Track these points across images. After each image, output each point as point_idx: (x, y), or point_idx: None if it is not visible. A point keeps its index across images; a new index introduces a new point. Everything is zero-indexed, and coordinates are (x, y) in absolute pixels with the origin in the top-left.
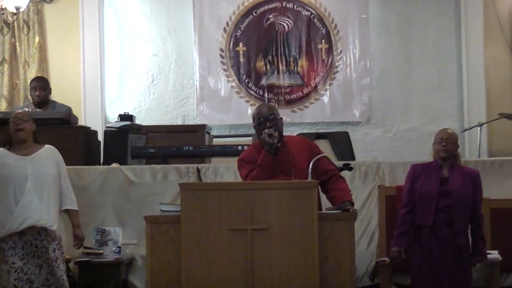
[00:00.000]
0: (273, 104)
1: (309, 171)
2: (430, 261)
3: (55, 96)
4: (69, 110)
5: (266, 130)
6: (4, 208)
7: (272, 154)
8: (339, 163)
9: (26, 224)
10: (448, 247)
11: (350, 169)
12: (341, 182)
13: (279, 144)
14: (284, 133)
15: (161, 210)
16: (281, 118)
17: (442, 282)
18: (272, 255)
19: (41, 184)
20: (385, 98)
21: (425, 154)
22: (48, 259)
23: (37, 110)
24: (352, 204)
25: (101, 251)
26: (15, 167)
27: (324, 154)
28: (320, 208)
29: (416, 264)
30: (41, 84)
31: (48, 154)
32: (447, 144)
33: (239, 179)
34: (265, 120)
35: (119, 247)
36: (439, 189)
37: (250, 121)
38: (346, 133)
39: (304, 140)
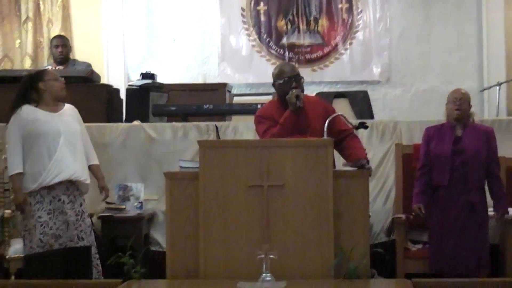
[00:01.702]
0: (294, 63)
1: (325, 130)
2: (446, 220)
3: (78, 54)
4: (89, 66)
5: (294, 91)
6: (37, 162)
7: (296, 115)
8: (356, 122)
9: (60, 178)
10: (463, 204)
11: (366, 127)
12: (356, 141)
13: (302, 105)
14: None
15: (181, 167)
16: (303, 78)
17: (459, 240)
18: (288, 211)
19: (73, 140)
20: (405, 57)
21: (443, 114)
22: (76, 214)
23: (58, 67)
24: (368, 161)
25: (123, 207)
26: (46, 123)
27: (340, 114)
28: (334, 166)
29: (433, 222)
30: (62, 41)
31: (71, 112)
32: (461, 104)
33: (258, 137)
34: (290, 80)
35: (141, 202)
36: (453, 149)
37: (271, 80)
38: (365, 92)
39: (319, 100)
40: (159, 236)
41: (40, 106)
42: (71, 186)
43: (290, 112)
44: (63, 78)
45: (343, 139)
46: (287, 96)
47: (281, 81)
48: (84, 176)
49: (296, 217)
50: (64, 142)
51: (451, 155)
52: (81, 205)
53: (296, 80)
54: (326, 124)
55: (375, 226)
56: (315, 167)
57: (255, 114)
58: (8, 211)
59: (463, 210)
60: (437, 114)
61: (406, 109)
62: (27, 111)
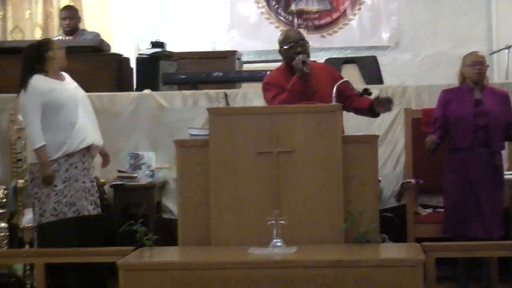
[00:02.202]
0: (303, 29)
1: (333, 95)
2: (467, 182)
3: (87, 24)
4: (97, 36)
5: (300, 56)
6: (60, 132)
7: (303, 81)
8: (359, 88)
9: (84, 144)
10: (487, 167)
11: (369, 93)
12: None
13: (309, 71)
14: (313, 58)
15: (190, 134)
16: (308, 43)
17: (479, 202)
18: (298, 176)
19: (87, 107)
20: (414, 22)
21: (453, 77)
22: (91, 181)
23: (68, 37)
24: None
25: (135, 175)
26: (63, 92)
27: (346, 79)
28: (343, 132)
29: (450, 185)
30: (70, 13)
31: (71, 79)
32: (482, 67)
33: (266, 104)
34: (296, 44)
35: (152, 170)
36: (475, 111)
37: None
38: (375, 58)
39: (326, 66)
40: (171, 204)
41: (49, 76)
42: (87, 153)
43: (297, 78)
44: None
45: (351, 102)
46: (293, 62)
47: (286, 47)
48: (101, 141)
49: (306, 182)
50: (82, 109)
51: (474, 116)
52: (93, 171)
53: (301, 45)
54: (334, 90)
55: (385, 191)
56: (324, 133)
57: (263, 81)
58: (21, 181)
59: (486, 173)
60: (446, 78)
61: (415, 73)
62: (40, 80)
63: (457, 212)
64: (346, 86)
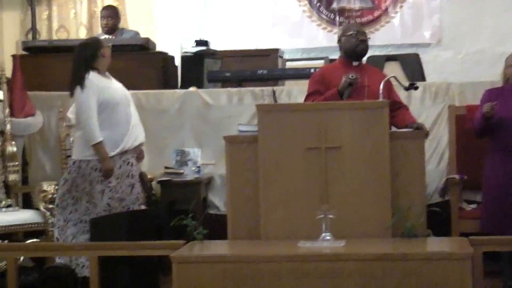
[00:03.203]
0: None
1: (380, 92)
2: (507, 181)
3: (131, 23)
4: (136, 34)
5: (350, 75)
6: (117, 129)
7: (340, 97)
8: (405, 83)
9: (137, 142)
10: None
11: (416, 88)
12: (408, 111)
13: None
14: None
15: (239, 131)
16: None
17: None
18: (345, 172)
19: (134, 105)
20: (456, 19)
21: (494, 75)
22: (137, 177)
23: (109, 37)
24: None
25: (182, 171)
26: (117, 90)
27: (393, 75)
28: (390, 128)
29: (490, 182)
30: (110, 13)
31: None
32: None
33: None
34: (359, 33)
35: (199, 167)
36: None
37: (321, 44)
38: (417, 55)
39: (379, 71)
40: (217, 200)
41: (100, 74)
42: (136, 149)
43: (337, 92)
44: None
45: (396, 110)
46: (342, 81)
47: (348, 34)
48: (144, 139)
49: (353, 177)
50: (132, 107)
51: None
52: (137, 168)
53: (363, 34)
54: (381, 86)
55: (429, 187)
56: (372, 129)
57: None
58: (62, 179)
59: None
60: (488, 76)
61: (457, 71)
62: (96, 77)
63: (496, 209)
64: (395, 93)
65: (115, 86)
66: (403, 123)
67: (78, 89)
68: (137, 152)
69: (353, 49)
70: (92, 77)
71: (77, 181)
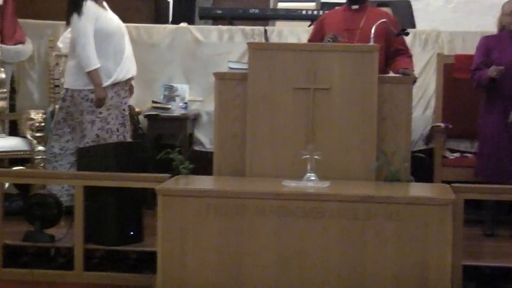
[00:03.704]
0: None
1: (371, 36)
2: (505, 128)
3: None
4: None
5: (328, 38)
6: (109, 59)
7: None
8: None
9: (130, 74)
10: None
11: (406, 34)
12: (407, 59)
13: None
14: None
15: (229, 68)
16: None
17: None
18: (333, 114)
19: (128, 38)
20: None
21: (485, 25)
22: (124, 110)
23: None
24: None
25: (169, 106)
26: (112, 20)
27: (384, 20)
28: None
29: (487, 129)
30: None
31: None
32: None
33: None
34: None
35: (186, 103)
36: None
37: None
38: (408, 2)
39: (386, 14)
40: (203, 137)
41: (97, 3)
42: (127, 83)
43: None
44: None
45: (397, 56)
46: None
47: None
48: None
49: (340, 120)
50: (127, 39)
51: None
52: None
53: None
54: (373, 30)
55: (414, 134)
56: (361, 72)
57: None
58: (58, 106)
59: None
60: (479, 26)
61: (447, 20)
62: (93, 5)
63: (492, 156)
64: (399, 40)
65: (111, 17)
66: (395, 69)
67: (75, 16)
68: (128, 85)
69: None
70: (90, 4)
71: (70, 109)
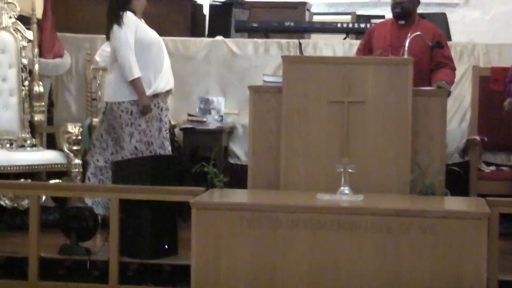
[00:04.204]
0: None
1: (406, 48)
2: None
3: None
4: None
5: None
6: (149, 69)
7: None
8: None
9: (169, 86)
10: None
11: (441, 47)
12: (448, 70)
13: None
14: (383, 13)
15: (264, 81)
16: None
17: None
18: (367, 127)
19: (165, 51)
20: None
21: None
22: (166, 123)
23: None
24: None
25: (204, 119)
26: (151, 32)
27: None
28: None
29: None
30: None
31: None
32: None
33: (337, 55)
34: None
35: (221, 115)
36: None
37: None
38: (444, 14)
39: (434, 27)
40: (238, 149)
41: (136, 15)
42: (167, 95)
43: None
44: None
45: (439, 68)
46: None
47: None
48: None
49: (375, 133)
50: (165, 52)
51: None
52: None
53: None
54: (407, 43)
55: (450, 146)
56: (396, 85)
57: None
58: (95, 119)
59: None
60: None
61: (484, 32)
62: (133, 16)
63: None
64: (443, 52)
65: (149, 29)
66: (433, 82)
67: (115, 27)
68: (167, 98)
69: (391, 10)
70: (131, 15)
71: (112, 122)
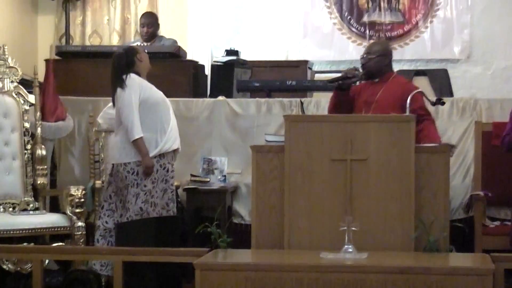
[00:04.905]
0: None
1: (407, 106)
2: None
3: (163, 30)
4: (175, 43)
5: (346, 69)
6: (154, 129)
7: (338, 90)
8: (433, 98)
9: (176, 145)
10: None
11: (442, 103)
12: (432, 126)
13: (357, 83)
14: None
15: (266, 140)
16: (381, 56)
17: None
18: (370, 184)
19: (172, 112)
20: (486, 35)
21: None
22: (172, 184)
23: (145, 43)
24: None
25: (207, 179)
26: (157, 92)
27: (419, 90)
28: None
29: None
30: (150, 21)
31: None
32: None
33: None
34: (362, 57)
35: (224, 175)
36: None
37: (351, 57)
38: (445, 71)
39: (404, 81)
40: (242, 209)
41: (141, 77)
42: (174, 155)
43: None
44: None
45: (419, 123)
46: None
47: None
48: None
49: (378, 190)
50: (171, 113)
51: None
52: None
53: (366, 54)
54: (408, 100)
55: (454, 202)
56: (398, 142)
57: None
58: (98, 181)
59: None
60: None
61: (486, 87)
62: (136, 78)
63: None
64: (420, 106)
65: (155, 89)
66: (428, 141)
67: (119, 90)
68: (174, 160)
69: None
70: (133, 76)
71: (119, 185)
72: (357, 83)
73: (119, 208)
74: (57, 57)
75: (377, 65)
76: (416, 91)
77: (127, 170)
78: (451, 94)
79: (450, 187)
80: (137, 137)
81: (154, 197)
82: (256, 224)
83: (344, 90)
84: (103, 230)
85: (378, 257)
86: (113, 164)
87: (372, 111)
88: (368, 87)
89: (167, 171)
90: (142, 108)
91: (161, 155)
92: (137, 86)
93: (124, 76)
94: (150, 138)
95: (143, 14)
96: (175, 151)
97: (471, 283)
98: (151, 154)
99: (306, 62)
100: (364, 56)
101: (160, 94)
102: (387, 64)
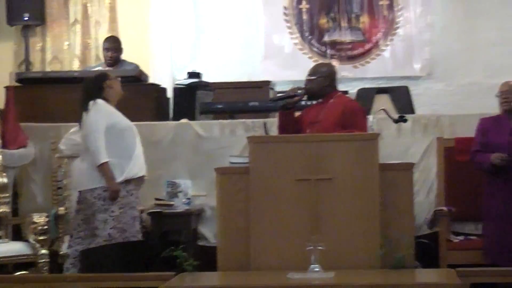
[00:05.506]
0: (335, 60)
1: (370, 124)
2: (508, 209)
3: (124, 54)
4: (137, 67)
5: (289, 89)
6: (120, 155)
7: (282, 110)
8: (395, 116)
9: (142, 172)
10: None
11: (404, 121)
12: None
13: (300, 102)
14: (346, 88)
15: (231, 162)
16: (322, 78)
17: None
18: (336, 203)
19: (138, 138)
20: (446, 52)
21: (486, 107)
22: (138, 211)
23: (108, 68)
24: None
25: (172, 203)
26: (124, 119)
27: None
28: None
29: (491, 211)
30: (114, 45)
31: None
32: (508, 97)
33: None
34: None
35: (189, 198)
36: (510, 139)
37: None
38: (406, 88)
39: (346, 100)
40: (207, 231)
41: (109, 104)
42: (140, 182)
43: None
44: None
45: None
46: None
47: None
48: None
49: (343, 209)
50: (138, 140)
51: (508, 145)
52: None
53: (308, 76)
54: (371, 119)
55: (418, 218)
56: (362, 160)
57: None
58: (61, 208)
59: None
60: (479, 108)
61: (447, 103)
62: (104, 104)
63: (498, 238)
64: (355, 125)
65: (122, 116)
66: None
67: (84, 115)
68: (140, 186)
69: None
70: (101, 102)
71: (87, 212)
72: (303, 102)
73: (88, 236)
74: (17, 84)
75: (318, 86)
76: (381, 108)
77: (94, 196)
78: (412, 111)
79: (414, 203)
80: (102, 161)
81: (121, 222)
82: (222, 246)
83: (288, 109)
84: (73, 258)
85: (345, 275)
86: (79, 191)
87: (316, 131)
88: (313, 108)
89: (135, 197)
90: (109, 134)
91: (127, 181)
92: (104, 112)
93: (91, 102)
94: (116, 164)
95: (106, 39)
96: (140, 178)
97: None
98: (118, 180)
99: (268, 82)
100: (307, 77)
101: (127, 121)
102: (328, 85)
